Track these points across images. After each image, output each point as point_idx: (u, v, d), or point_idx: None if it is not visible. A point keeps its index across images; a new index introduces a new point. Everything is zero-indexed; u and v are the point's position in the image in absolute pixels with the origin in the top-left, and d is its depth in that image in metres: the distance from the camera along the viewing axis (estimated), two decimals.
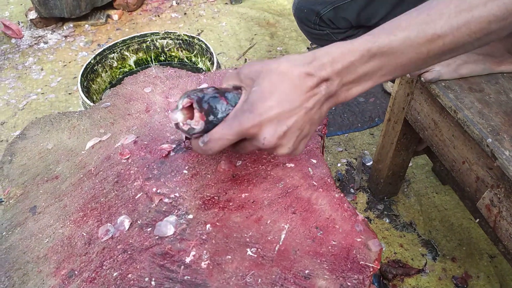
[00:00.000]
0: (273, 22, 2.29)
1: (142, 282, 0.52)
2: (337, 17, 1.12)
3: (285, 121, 0.48)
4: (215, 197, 0.61)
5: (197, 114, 0.51)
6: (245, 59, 2.04)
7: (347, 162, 1.58)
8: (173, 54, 1.39)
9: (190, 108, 0.54)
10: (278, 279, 0.52)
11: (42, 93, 1.95)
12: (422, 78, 0.93)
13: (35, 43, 2.24)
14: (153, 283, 0.52)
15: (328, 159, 1.61)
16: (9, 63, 2.14)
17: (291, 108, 0.48)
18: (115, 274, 0.54)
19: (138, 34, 1.33)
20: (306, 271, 0.54)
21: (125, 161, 0.68)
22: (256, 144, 0.50)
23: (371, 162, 1.55)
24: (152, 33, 1.34)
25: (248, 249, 0.55)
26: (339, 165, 1.57)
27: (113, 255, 0.56)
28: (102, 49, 1.28)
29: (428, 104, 1.03)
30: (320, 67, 0.49)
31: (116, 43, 1.30)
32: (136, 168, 0.67)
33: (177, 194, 0.62)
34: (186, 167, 0.66)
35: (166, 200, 0.61)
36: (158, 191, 0.62)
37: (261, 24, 2.28)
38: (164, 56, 1.40)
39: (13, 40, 2.27)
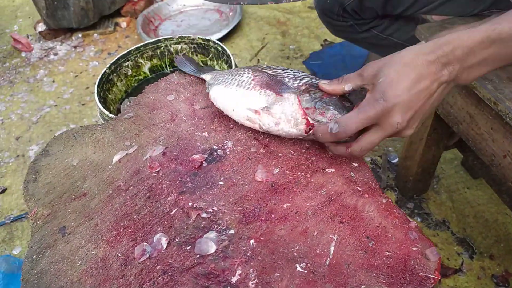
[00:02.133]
0: (284, 20, 2.25)
1: None
2: (362, 7, 1.07)
3: (414, 105, 0.54)
4: (255, 209, 0.57)
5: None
6: (258, 60, 2.01)
7: (371, 160, 1.53)
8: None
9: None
10: None
11: (55, 105, 1.93)
12: None
13: (45, 56, 2.23)
14: None
15: None
16: (20, 77, 2.13)
17: (418, 94, 0.53)
18: None
19: (152, 40, 1.30)
20: (362, 286, 0.49)
21: (155, 174, 0.65)
22: (388, 128, 0.55)
23: (397, 159, 1.50)
24: (165, 39, 1.31)
25: (297, 265, 0.51)
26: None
27: (152, 277, 0.53)
28: (116, 57, 1.24)
29: (462, 96, 0.98)
30: (442, 54, 0.53)
31: (130, 50, 1.27)
32: (168, 182, 0.63)
33: (215, 208, 0.58)
34: (222, 178, 0.62)
35: (204, 215, 0.57)
36: (195, 206, 0.58)
37: (271, 23, 2.24)
38: None
39: (23, 54, 2.26)
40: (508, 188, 0.91)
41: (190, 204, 0.59)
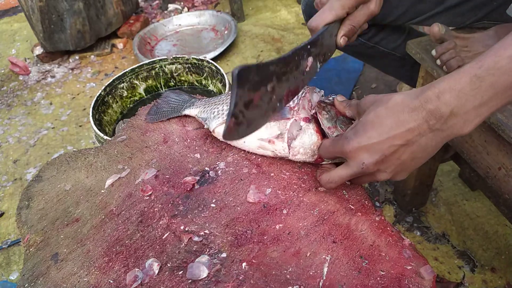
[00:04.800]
0: (278, 37, 2.27)
1: None
2: None
3: (383, 149, 0.52)
4: (247, 231, 0.57)
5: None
6: None
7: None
8: (183, 78, 1.37)
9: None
10: None
11: (53, 128, 1.94)
12: (444, 68, 0.89)
13: (42, 78, 2.25)
14: None
15: None
16: (18, 100, 2.14)
17: (390, 140, 0.51)
18: None
19: (147, 62, 1.31)
20: None
21: (147, 198, 0.65)
22: (354, 167, 0.54)
23: None
24: (160, 59, 1.32)
25: (290, 287, 0.50)
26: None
27: None
28: (111, 80, 1.25)
29: None
30: (427, 100, 0.49)
31: (125, 72, 1.28)
32: (160, 205, 0.63)
33: (207, 231, 0.57)
34: (214, 200, 0.62)
35: (196, 238, 0.57)
36: (187, 229, 0.58)
37: (266, 40, 2.27)
38: (174, 82, 1.38)
39: (20, 77, 2.28)
40: (506, 199, 0.90)
41: (182, 227, 0.58)
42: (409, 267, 0.53)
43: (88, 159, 0.76)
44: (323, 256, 0.54)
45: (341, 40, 0.72)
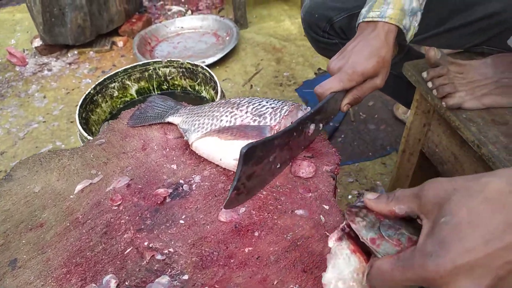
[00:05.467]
0: (280, 47, 2.26)
1: None
2: (350, 26, 1.05)
3: (495, 268, 0.33)
4: (214, 253, 0.54)
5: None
6: (251, 85, 2.00)
7: (358, 193, 1.50)
8: (176, 82, 1.34)
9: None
10: None
11: (43, 122, 1.91)
12: (443, 103, 0.87)
13: (39, 71, 2.22)
14: None
15: (339, 190, 1.53)
16: (12, 91, 2.11)
17: (503, 249, 0.33)
18: None
19: (140, 63, 1.29)
20: None
21: (116, 208, 0.62)
22: None
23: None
24: (154, 61, 1.30)
25: None
26: (350, 197, 1.49)
27: None
28: (102, 79, 1.23)
29: (447, 136, 0.96)
30: None
31: (117, 72, 1.26)
32: (127, 217, 0.60)
33: (171, 250, 0.54)
34: (183, 216, 0.59)
35: (159, 256, 0.54)
36: (150, 246, 0.55)
37: (267, 49, 2.25)
38: (167, 85, 1.35)
39: (17, 68, 2.25)
40: None
41: (146, 243, 0.55)
42: None
43: (62, 161, 0.73)
44: (291, 286, 0.51)
45: (345, 107, 0.75)
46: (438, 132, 1.00)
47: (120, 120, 0.81)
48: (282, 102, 0.68)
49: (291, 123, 0.66)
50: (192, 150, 0.69)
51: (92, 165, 0.72)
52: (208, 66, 2.06)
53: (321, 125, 0.71)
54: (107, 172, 0.69)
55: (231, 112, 0.66)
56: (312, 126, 0.67)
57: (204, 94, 1.31)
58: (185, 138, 0.69)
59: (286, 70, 2.09)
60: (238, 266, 0.53)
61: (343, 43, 1.13)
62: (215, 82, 1.20)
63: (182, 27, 2.40)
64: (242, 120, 0.65)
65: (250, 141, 0.62)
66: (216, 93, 1.20)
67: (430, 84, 0.87)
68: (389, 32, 0.75)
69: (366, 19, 0.76)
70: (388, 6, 0.75)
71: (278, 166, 0.62)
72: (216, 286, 0.50)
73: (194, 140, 0.67)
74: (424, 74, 0.89)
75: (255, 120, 0.64)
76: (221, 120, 0.66)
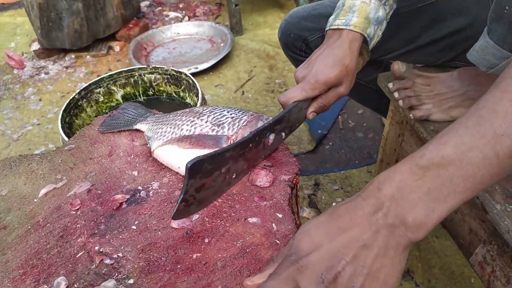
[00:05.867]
0: (273, 54, 2.28)
1: None
2: None
3: (341, 254, 0.42)
4: (162, 258, 0.56)
5: None
6: (243, 92, 2.02)
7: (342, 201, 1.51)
8: (162, 88, 1.37)
9: None
10: None
11: (38, 124, 1.95)
12: (410, 115, 0.88)
13: (36, 74, 2.26)
14: None
15: (323, 198, 1.54)
16: (9, 93, 2.15)
17: (345, 242, 0.43)
18: None
19: (126, 69, 1.31)
20: None
21: (74, 212, 0.64)
22: (312, 287, 0.42)
23: None
24: (139, 68, 1.32)
25: None
26: (333, 204, 1.50)
27: None
28: (87, 84, 1.26)
29: (418, 146, 0.97)
30: (367, 195, 0.43)
31: (103, 77, 1.28)
32: (83, 222, 0.62)
33: (120, 254, 0.56)
34: (136, 222, 0.61)
35: (108, 261, 0.55)
36: (101, 250, 0.57)
37: (260, 56, 2.27)
38: (153, 91, 1.38)
39: (15, 71, 2.29)
40: (461, 244, 0.88)
41: (97, 248, 0.57)
42: None
43: (31, 166, 0.76)
44: None
45: (310, 116, 0.76)
46: (411, 143, 1.01)
47: (91, 126, 0.83)
48: (243, 113, 0.70)
49: (250, 133, 0.68)
50: (154, 157, 0.71)
51: (59, 170, 0.74)
52: (201, 72, 2.08)
53: (283, 134, 0.72)
54: (71, 177, 0.71)
55: (192, 121, 0.68)
56: (272, 136, 0.68)
57: (188, 100, 1.33)
58: (148, 145, 0.71)
59: (279, 77, 2.11)
60: (184, 272, 0.54)
61: None
62: (197, 89, 1.22)
63: (178, 33, 2.43)
64: (201, 130, 0.67)
65: (207, 150, 0.64)
66: (201, 99, 1.22)
67: (396, 95, 0.89)
68: (354, 41, 0.76)
69: (332, 27, 0.78)
70: (353, 15, 0.76)
71: (234, 176, 0.63)
72: None
73: (155, 148, 0.69)
74: (390, 85, 0.91)
75: (213, 129, 0.66)
76: (182, 129, 0.68)
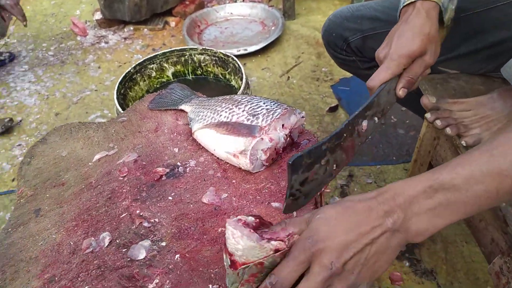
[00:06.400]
0: (322, 42, 2.28)
1: None
2: (364, 46, 1.09)
3: (353, 247, 0.49)
4: (191, 228, 0.63)
5: None
6: (288, 77, 2.05)
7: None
8: (209, 69, 1.44)
9: None
10: None
11: (96, 90, 2.10)
12: (463, 142, 0.88)
13: (97, 42, 2.41)
14: None
15: (355, 189, 1.57)
16: (71, 58, 2.32)
17: (358, 236, 0.49)
18: (86, 287, 0.58)
19: (178, 48, 1.40)
20: None
21: (121, 178, 0.73)
22: (321, 272, 0.48)
23: None
24: (191, 48, 1.40)
25: (210, 285, 0.57)
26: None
27: (88, 268, 0.60)
28: (142, 59, 1.35)
29: (452, 152, 0.98)
30: (383, 201, 0.49)
31: (157, 55, 1.37)
32: (128, 188, 0.71)
33: (156, 220, 0.64)
34: (172, 194, 0.69)
35: (146, 224, 0.64)
36: (141, 214, 0.66)
37: (310, 43, 2.28)
38: (201, 71, 1.45)
39: (78, 38, 2.46)
40: (483, 252, 0.90)
41: (138, 211, 0.66)
42: None
43: (88, 133, 0.86)
44: None
45: (400, 92, 0.74)
46: (445, 148, 1.02)
47: (142, 102, 0.92)
48: (278, 105, 0.75)
49: (282, 125, 0.73)
50: (193, 137, 0.79)
51: (112, 139, 0.83)
52: (250, 53, 2.14)
53: (376, 119, 0.71)
54: (122, 147, 0.81)
55: (230, 109, 0.75)
56: (365, 123, 0.68)
57: (233, 83, 1.40)
58: (189, 126, 0.79)
59: (325, 65, 2.12)
60: (210, 242, 0.62)
61: (360, 60, 1.17)
62: (242, 74, 1.28)
63: (231, 13, 2.49)
64: (238, 118, 0.73)
65: (241, 138, 0.70)
66: (245, 83, 1.28)
67: (438, 123, 0.88)
68: (430, 9, 0.74)
69: (406, 3, 0.77)
70: None
71: (334, 166, 0.64)
72: (187, 255, 0.60)
73: (195, 130, 0.76)
74: (428, 115, 0.90)
75: (249, 119, 0.72)
76: (220, 115, 0.74)
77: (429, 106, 0.88)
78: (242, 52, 2.11)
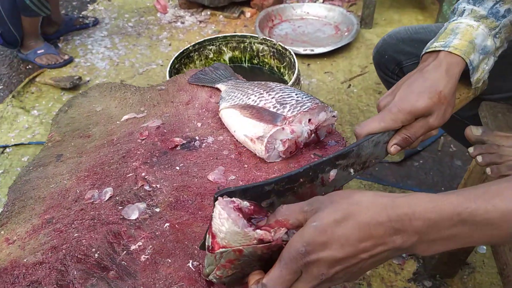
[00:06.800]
0: (373, 62, 2.17)
1: (90, 251, 0.56)
2: None
3: (345, 263, 0.45)
4: (189, 201, 0.62)
5: None
6: (349, 85, 1.98)
7: None
8: (266, 60, 1.43)
9: None
10: None
11: (161, 65, 2.18)
12: (488, 171, 0.78)
13: (173, 21, 2.50)
14: (96, 255, 0.56)
15: None
16: (147, 32, 2.43)
17: (354, 252, 0.44)
18: (75, 234, 0.59)
19: (239, 34, 1.40)
20: None
21: (139, 141, 0.74)
22: (311, 281, 0.45)
23: None
24: (251, 36, 1.39)
25: (191, 261, 0.55)
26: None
27: (84, 218, 0.62)
28: (202, 39, 1.37)
29: None
30: (396, 219, 0.43)
31: (217, 37, 1.39)
32: (143, 150, 0.71)
33: (158, 186, 0.64)
34: (181, 165, 0.68)
35: (147, 187, 0.64)
36: (146, 177, 0.66)
37: None
38: (258, 60, 1.44)
39: (158, 14, 2.57)
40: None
41: (143, 174, 0.66)
42: None
43: (125, 94, 0.88)
44: None
45: (392, 149, 0.65)
46: None
47: (184, 75, 0.93)
48: (310, 99, 0.71)
49: (309, 120, 0.69)
50: (219, 116, 0.78)
51: (144, 104, 0.85)
52: (316, 55, 2.10)
53: (351, 170, 0.62)
54: (151, 112, 0.82)
55: (260, 94, 0.72)
56: (333, 172, 0.59)
57: (286, 77, 1.37)
58: (219, 103, 0.78)
59: None
60: (203, 219, 0.60)
61: None
62: (295, 69, 1.25)
63: (307, 12, 2.45)
64: (265, 103, 0.70)
65: (262, 123, 0.67)
66: (296, 78, 1.26)
67: (479, 159, 0.77)
68: (452, 65, 0.66)
69: (429, 50, 0.70)
70: (455, 37, 0.68)
71: None
72: (176, 226, 0.59)
73: (222, 108, 0.75)
74: (471, 150, 0.78)
75: (275, 107, 0.69)
76: (249, 98, 0.72)
77: (472, 139, 0.78)
78: (308, 52, 2.07)
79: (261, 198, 0.51)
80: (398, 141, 0.65)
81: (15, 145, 1.72)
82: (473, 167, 1.02)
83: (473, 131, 0.77)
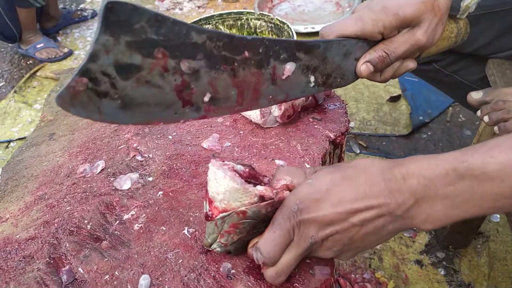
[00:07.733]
0: None
1: (82, 223, 0.55)
2: None
3: (337, 224, 0.42)
4: (183, 169, 0.60)
5: None
6: None
7: None
8: (264, 36, 1.39)
9: None
10: (199, 267, 0.49)
11: None
12: (495, 129, 0.74)
13: (172, 8, 2.47)
14: (88, 226, 0.54)
15: None
16: None
17: (346, 214, 0.42)
18: (67, 208, 0.57)
19: (235, 11, 1.36)
20: (232, 271, 0.49)
21: None
22: (302, 243, 0.44)
23: None
24: (248, 12, 1.36)
25: (186, 228, 0.53)
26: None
27: (76, 192, 0.60)
28: (198, 18, 1.34)
29: None
30: (390, 177, 0.41)
31: (213, 15, 1.36)
32: None
33: (150, 155, 0.62)
34: (174, 134, 0.66)
35: (139, 157, 0.62)
36: (138, 148, 0.64)
37: None
38: None
39: (156, 2, 2.54)
40: None
41: (135, 145, 0.64)
42: (307, 261, 0.51)
43: None
44: None
45: (362, 67, 0.54)
46: None
47: None
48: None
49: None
50: None
51: None
52: (318, 33, 2.05)
53: (312, 77, 0.51)
54: None
55: None
56: (289, 66, 0.47)
57: None
58: None
59: None
60: (197, 186, 0.58)
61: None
62: None
63: None
64: None
65: None
66: None
67: (486, 119, 0.73)
68: None
69: None
70: None
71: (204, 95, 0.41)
72: (170, 194, 0.57)
73: None
74: (478, 112, 0.75)
75: None
76: None
77: (475, 103, 0.74)
78: (309, 30, 2.03)
79: (183, 51, 0.35)
80: (372, 57, 0.53)
81: (19, 139, 1.71)
82: (482, 130, 0.98)
83: (473, 96, 0.73)
